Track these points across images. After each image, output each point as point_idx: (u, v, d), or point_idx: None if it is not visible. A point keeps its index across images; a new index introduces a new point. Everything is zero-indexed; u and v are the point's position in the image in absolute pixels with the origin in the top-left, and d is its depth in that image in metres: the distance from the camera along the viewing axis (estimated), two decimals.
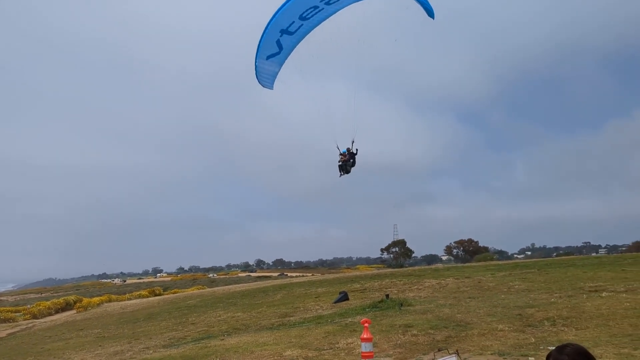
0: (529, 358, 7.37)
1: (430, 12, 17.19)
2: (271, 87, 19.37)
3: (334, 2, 16.48)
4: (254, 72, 18.98)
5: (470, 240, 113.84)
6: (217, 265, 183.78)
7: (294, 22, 16.81)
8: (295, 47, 17.99)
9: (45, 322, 36.64)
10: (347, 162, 21.01)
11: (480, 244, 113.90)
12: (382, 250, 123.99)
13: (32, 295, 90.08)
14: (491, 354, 11.82)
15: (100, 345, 21.16)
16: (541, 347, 11.87)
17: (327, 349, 14.21)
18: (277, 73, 18.64)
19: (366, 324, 7.56)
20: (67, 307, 45.52)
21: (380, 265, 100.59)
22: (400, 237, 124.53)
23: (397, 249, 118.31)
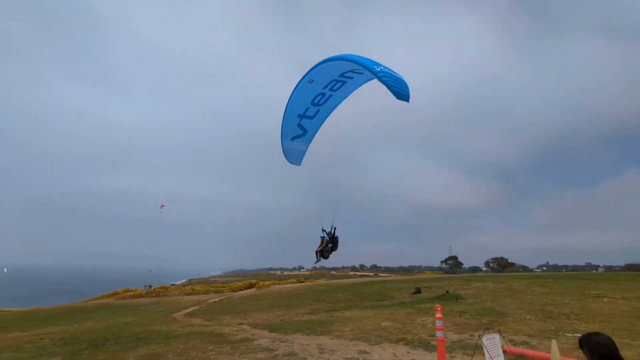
0: (551, 339, 6.66)
1: (400, 96, 9.41)
2: (299, 164, 15.19)
3: (339, 89, 13.17)
4: (282, 151, 14.97)
5: (502, 257, 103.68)
6: (336, 266, 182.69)
7: (308, 107, 13.52)
8: (318, 129, 14.32)
9: (238, 294, 38.43)
10: (325, 248, 14.80)
11: (509, 260, 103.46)
12: (441, 262, 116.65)
13: (231, 278, 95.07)
14: (523, 335, 10.76)
15: (270, 310, 21.84)
16: (560, 333, 10.63)
17: (408, 323, 13.66)
18: (304, 151, 14.64)
19: (439, 308, 7.26)
20: (250, 286, 47.40)
21: (440, 272, 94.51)
22: (453, 254, 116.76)
23: (451, 261, 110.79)
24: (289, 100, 13.61)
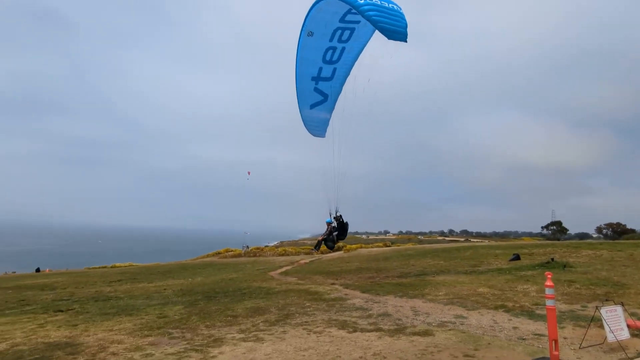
0: None
1: (391, 34, 7.99)
2: (323, 135, 13.50)
3: (349, 39, 10.99)
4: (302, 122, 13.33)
5: (618, 223, 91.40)
6: (423, 230, 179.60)
7: (321, 67, 11.46)
8: (339, 91, 12.16)
9: (327, 257, 40.13)
10: (329, 237, 14.33)
11: (628, 226, 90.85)
12: (542, 227, 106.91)
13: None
14: None
15: (360, 272, 22.45)
16: None
17: (508, 290, 13.02)
18: (327, 120, 12.81)
19: (549, 275, 6.76)
20: (338, 249, 49.15)
21: (540, 238, 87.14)
22: (556, 219, 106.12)
23: (554, 227, 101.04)
24: (296, 62, 11.64)
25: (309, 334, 8.85)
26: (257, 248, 50.48)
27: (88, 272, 34.04)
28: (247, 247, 49.00)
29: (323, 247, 16.58)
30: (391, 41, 8.18)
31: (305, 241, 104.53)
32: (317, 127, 13.25)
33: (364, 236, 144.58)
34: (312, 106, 12.37)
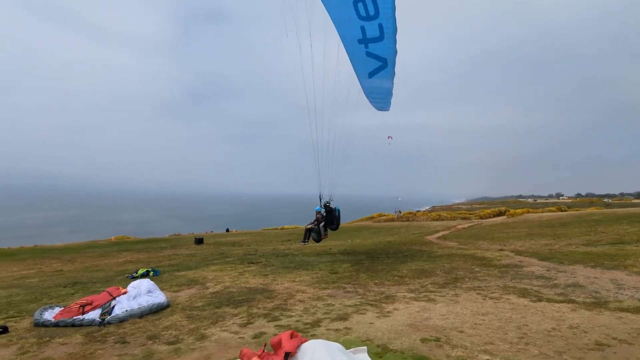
0: None
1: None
2: (387, 108, 11.78)
3: None
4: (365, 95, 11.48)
5: None
6: (610, 192, 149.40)
7: (363, 26, 9.53)
8: (395, 51, 9.98)
9: (488, 221, 37.38)
10: (314, 228, 13.12)
11: None
12: None
13: (475, 205, 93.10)
14: None
15: (530, 239, 20.24)
16: None
17: None
18: (390, 90, 10.93)
19: None
20: (499, 214, 45.24)
21: None
22: None
23: None
24: (335, 26, 10.03)
25: (484, 299, 8.45)
26: (410, 213, 50.36)
27: (264, 233, 39.77)
28: (400, 211, 49.35)
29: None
30: None
31: (459, 206, 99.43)
32: (382, 99, 11.54)
33: (529, 200, 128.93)
34: (371, 74, 10.62)
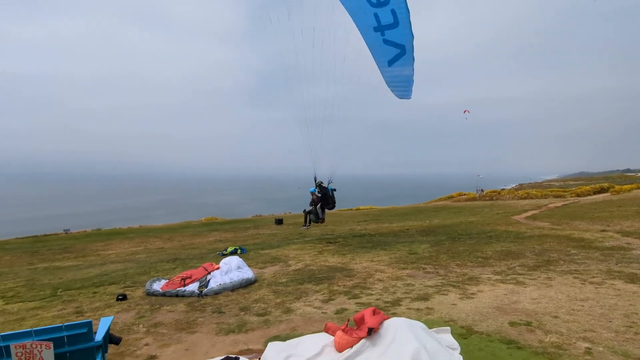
0: None
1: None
2: (409, 96, 11.49)
3: None
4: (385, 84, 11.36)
5: None
6: None
7: (376, 13, 9.37)
8: (412, 36, 9.80)
9: (586, 199, 33.76)
10: (312, 210, 13.71)
11: None
12: None
13: (570, 182, 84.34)
14: None
15: None
16: None
17: None
18: (410, 77, 10.71)
19: None
20: (601, 190, 40.52)
21: None
22: None
23: None
24: (351, 15, 10.05)
25: (582, 283, 7.76)
26: (493, 191, 47.35)
27: (340, 213, 40.42)
28: (482, 190, 46.68)
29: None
30: None
31: (551, 183, 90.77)
32: (403, 88, 11.43)
33: (639, 174, 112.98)
34: (391, 62, 10.63)
